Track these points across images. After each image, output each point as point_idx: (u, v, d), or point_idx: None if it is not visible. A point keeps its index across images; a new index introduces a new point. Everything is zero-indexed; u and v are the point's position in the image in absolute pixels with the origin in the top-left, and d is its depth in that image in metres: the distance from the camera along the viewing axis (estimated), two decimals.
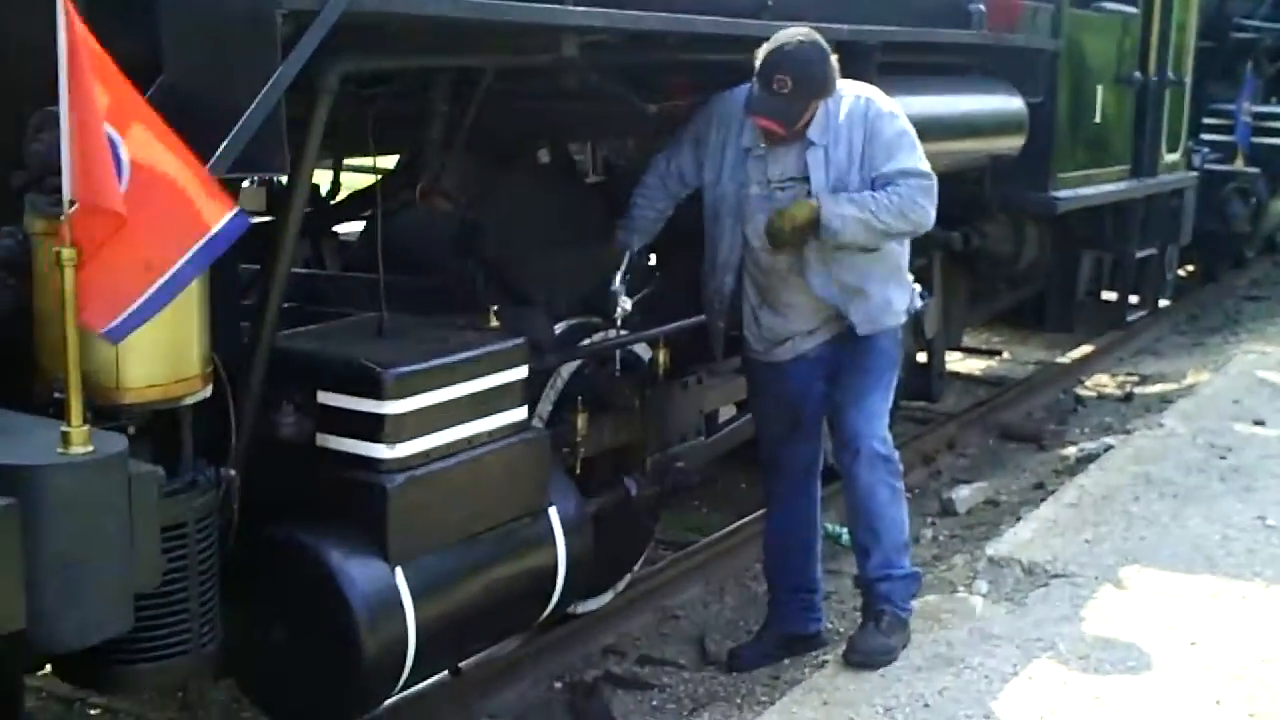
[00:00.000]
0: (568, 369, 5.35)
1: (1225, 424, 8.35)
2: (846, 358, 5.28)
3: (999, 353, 11.18)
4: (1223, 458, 7.63)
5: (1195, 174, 10.63)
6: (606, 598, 5.79)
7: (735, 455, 6.40)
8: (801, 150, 5.05)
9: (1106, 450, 8.11)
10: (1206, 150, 11.93)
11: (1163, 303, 11.07)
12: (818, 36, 4.92)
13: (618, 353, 5.55)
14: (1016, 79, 7.56)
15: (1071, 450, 8.58)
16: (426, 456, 4.11)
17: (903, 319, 5.37)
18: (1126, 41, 9.03)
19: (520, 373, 4.41)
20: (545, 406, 5.27)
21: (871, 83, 5.59)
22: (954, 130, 6.71)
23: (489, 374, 4.30)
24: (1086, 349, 11.15)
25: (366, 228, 6.04)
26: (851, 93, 5.09)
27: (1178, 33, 9.73)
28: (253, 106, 3.27)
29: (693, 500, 7.42)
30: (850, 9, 5.84)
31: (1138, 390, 10.27)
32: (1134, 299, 10.19)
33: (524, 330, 4.89)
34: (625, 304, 5.27)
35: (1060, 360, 10.95)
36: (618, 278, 5.32)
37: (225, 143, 3.24)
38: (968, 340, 10.28)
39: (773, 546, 5.62)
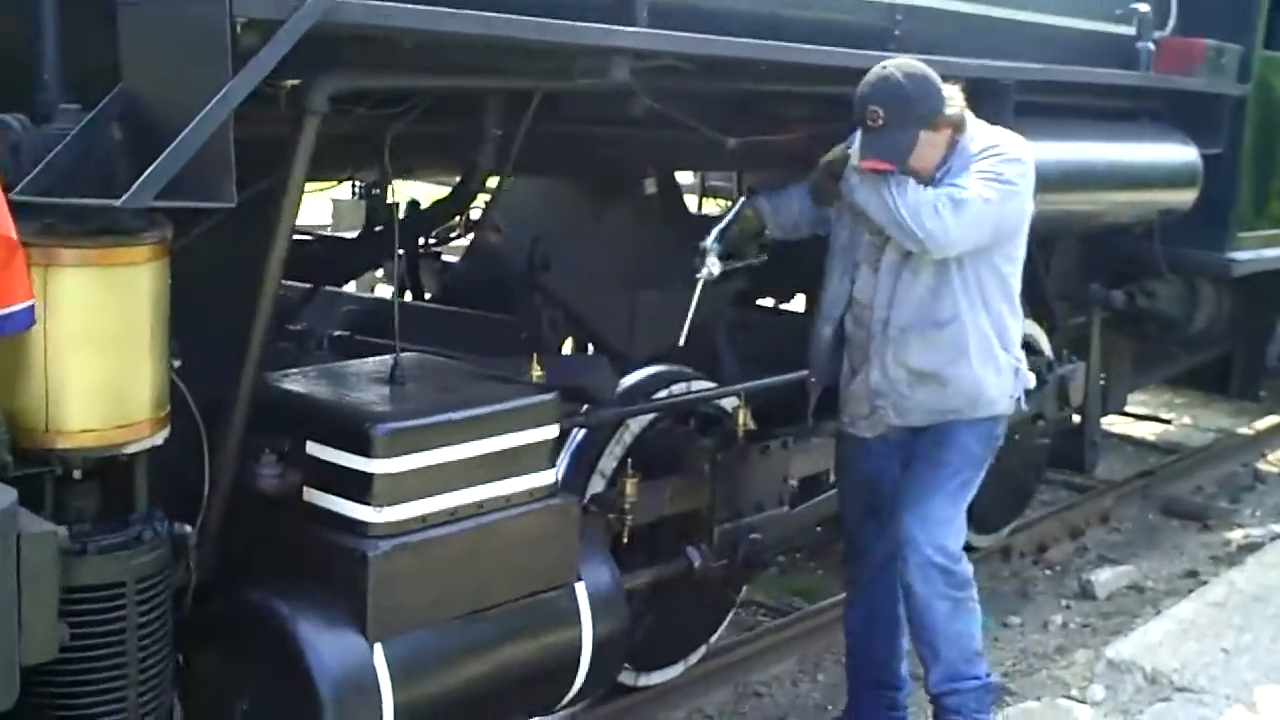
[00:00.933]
0: (638, 423, 4.88)
1: None
2: (921, 446, 4.71)
3: (1167, 420, 10.35)
4: None
5: None
6: (676, 670, 5.30)
7: None
8: None
9: (1273, 540, 7.35)
10: None
11: None
12: (917, 64, 4.35)
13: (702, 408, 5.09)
14: (1194, 126, 6.89)
15: (1237, 534, 7.83)
16: (422, 521, 3.66)
17: (999, 409, 4.68)
18: None
19: (548, 431, 3.94)
20: (609, 463, 4.82)
21: (1006, 124, 5.07)
22: (1104, 180, 6.09)
23: (507, 432, 3.84)
24: (1274, 420, 10.28)
25: (469, 248, 5.69)
26: (990, 138, 4.51)
27: None
28: (190, 127, 2.85)
29: (807, 562, 6.94)
30: (990, 43, 5.29)
31: None
32: None
33: (580, 379, 4.47)
34: (714, 266, 4.70)
35: (1243, 431, 10.10)
36: (714, 233, 4.71)
37: (152, 166, 2.82)
38: (1141, 405, 9.56)
39: (853, 636, 5.05)
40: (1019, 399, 4.76)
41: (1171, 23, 6.64)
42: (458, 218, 4.51)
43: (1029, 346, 6.47)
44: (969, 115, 4.51)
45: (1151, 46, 6.26)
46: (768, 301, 7.05)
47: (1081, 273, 6.99)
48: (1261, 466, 9.46)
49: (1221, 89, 6.93)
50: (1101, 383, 7.65)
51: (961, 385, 4.58)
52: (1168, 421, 10.32)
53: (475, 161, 4.24)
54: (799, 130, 4.91)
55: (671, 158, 5.39)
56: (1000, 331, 4.63)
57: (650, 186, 5.45)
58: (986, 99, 5.19)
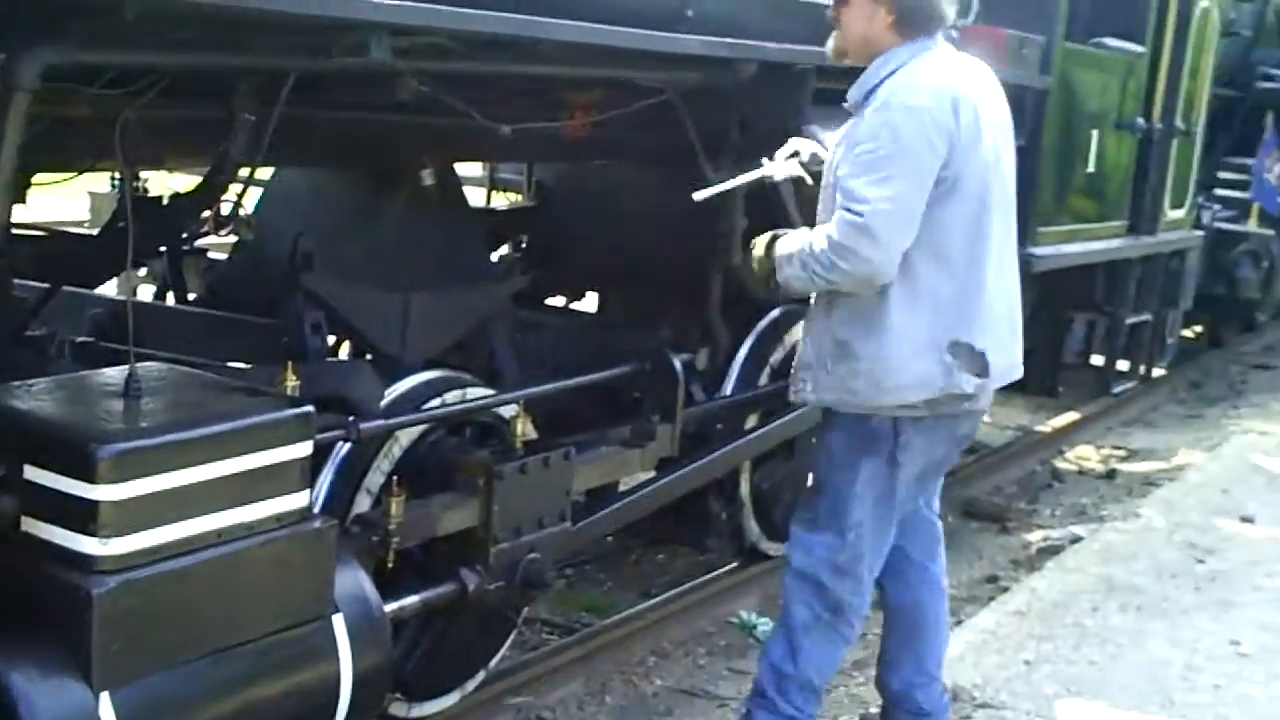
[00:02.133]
0: (408, 436, 4.51)
1: (1209, 519, 7.46)
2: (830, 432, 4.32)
3: None
4: (1201, 561, 6.75)
5: (1201, 234, 9.76)
6: (451, 699, 4.93)
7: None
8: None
9: (1073, 543, 7.23)
10: (1218, 207, 11.03)
11: (1158, 371, 10.20)
12: None
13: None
14: None
15: (1037, 536, 7.69)
16: (155, 554, 3.24)
17: (898, 397, 4.10)
18: (1130, 84, 8.16)
19: (300, 450, 3.53)
20: (376, 479, 4.43)
21: (805, 114, 4.82)
22: None
23: (253, 450, 3.43)
24: (1073, 416, 10.22)
25: (235, 245, 5.27)
26: (906, 74, 4.01)
27: (1190, 78, 8.84)
28: None
29: (598, 574, 6.63)
30: (788, 25, 5.01)
31: (1122, 467, 9.36)
32: (1123, 366, 9.32)
33: (341, 388, 4.09)
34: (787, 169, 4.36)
35: (1042, 428, 10.02)
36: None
37: None
38: None
39: None
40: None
41: (974, 12, 6.43)
42: (208, 212, 4.10)
43: None
44: (926, 41, 4.07)
45: (955, 35, 6.03)
46: (558, 301, 6.75)
47: None
48: (1060, 464, 9.38)
49: (1024, 81, 6.75)
50: None
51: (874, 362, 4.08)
52: None
53: (226, 150, 3.85)
54: (583, 117, 4.57)
55: (451, 147, 5.00)
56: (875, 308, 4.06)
57: (428, 178, 5.07)
58: (786, 85, 4.95)
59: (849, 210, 3.91)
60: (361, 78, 3.80)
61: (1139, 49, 8.13)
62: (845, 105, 4.18)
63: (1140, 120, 8.26)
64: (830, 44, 4.25)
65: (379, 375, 4.42)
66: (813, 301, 4.27)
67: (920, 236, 3.96)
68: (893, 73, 4.02)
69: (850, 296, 4.07)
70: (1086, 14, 7.72)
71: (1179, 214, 9.16)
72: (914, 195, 3.92)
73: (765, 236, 4.24)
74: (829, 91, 4.97)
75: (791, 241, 4.12)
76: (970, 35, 6.22)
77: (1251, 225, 11.53)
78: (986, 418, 9.07)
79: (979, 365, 4.11)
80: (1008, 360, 4.25)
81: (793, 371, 4.35)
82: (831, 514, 4.26)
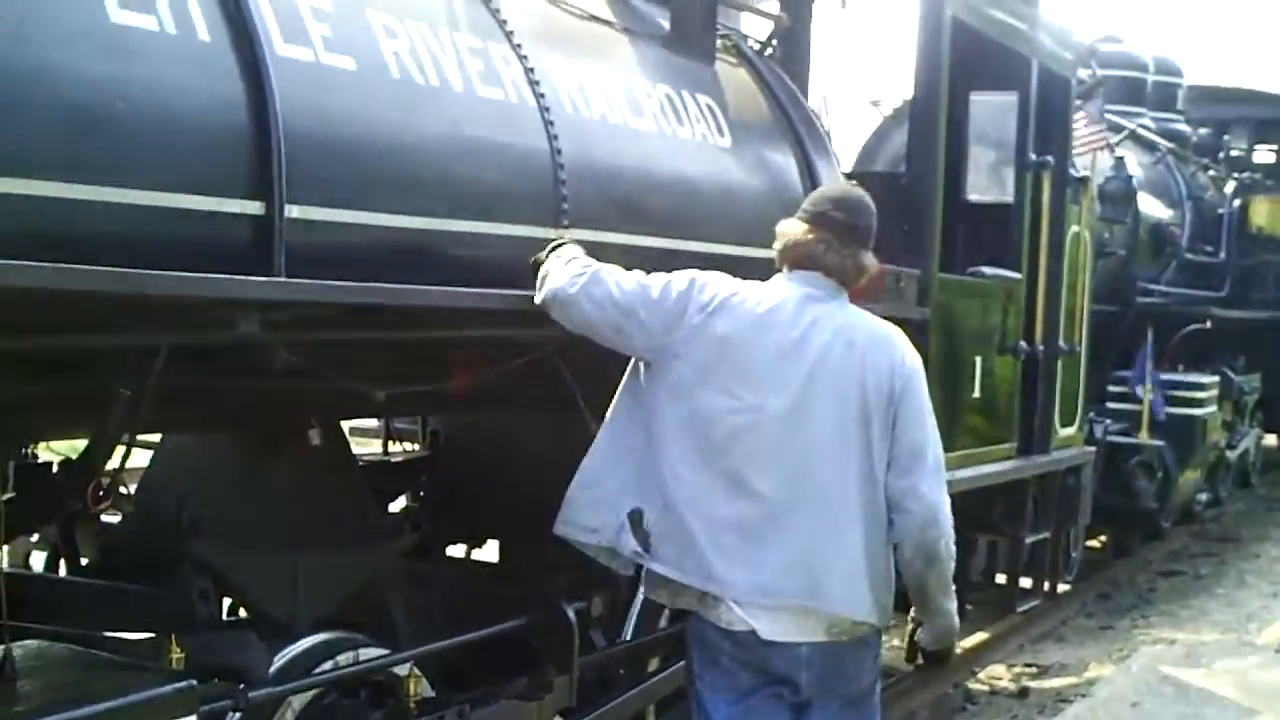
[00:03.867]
0: (300, 700, 4.46)
1: None
2: None
3: None
4: None
5: (1093, 449, 9.94)
6: None
7: None
8: None
9: None
10: (1109, 421, 11.26)
11: (1063, 586, 10.28)
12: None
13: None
14: None
15: None
16: None
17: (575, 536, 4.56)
18: (1010, 309, 8.38)
19: None
20: None
21: None
22: None
23: None
24: (983, 636, 10.25)
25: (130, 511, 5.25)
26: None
27: (1070, 298, 9.10)
28: None
29: None
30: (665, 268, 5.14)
31: (1034, 684, 9.37)
32: (1027, 583, 9.39)
33: (227, 657, 4.06)
34: None
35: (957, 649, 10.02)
36: None
37: None
38: None
39: None
40: None
41: None
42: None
43: None
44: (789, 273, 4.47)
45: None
46: (459, 550, 6.74)
47: None
48: (973, 685, 9.38)
49: (902, 313, 6.91)
50: None
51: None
52: None
53: (105, 423, 3.86)
54: (463, 373, 4.64)
55: (334, 407, 5.04)
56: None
57: (315, 438, 5.10)
58: None
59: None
60: (234, 350, 3.84)
61: (1015, 275, 8.37)
62: None
63: (1023, 343, 8.46)
64: None
65: (267, 640, 4.38)
66: None
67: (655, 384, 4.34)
68: None
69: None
70: (962, 245, 7.96)
71: (1070, 431, 9.34)
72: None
73: None
74: None
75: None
76: None
77: (1143, 437, 11.76)
78: (896, 641, 9.13)
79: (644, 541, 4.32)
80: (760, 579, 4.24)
81: None
82: None
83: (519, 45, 4.99)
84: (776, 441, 4.23)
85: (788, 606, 4.24)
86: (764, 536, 4.22)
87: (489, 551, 7.04)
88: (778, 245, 4.51)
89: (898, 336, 4.46)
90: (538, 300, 4.45)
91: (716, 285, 4.39)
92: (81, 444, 3.95)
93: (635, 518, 4.35)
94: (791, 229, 4.48)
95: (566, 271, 4.43)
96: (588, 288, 4.37)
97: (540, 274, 4.50)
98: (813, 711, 4.41)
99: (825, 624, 4.27)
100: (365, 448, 8.08)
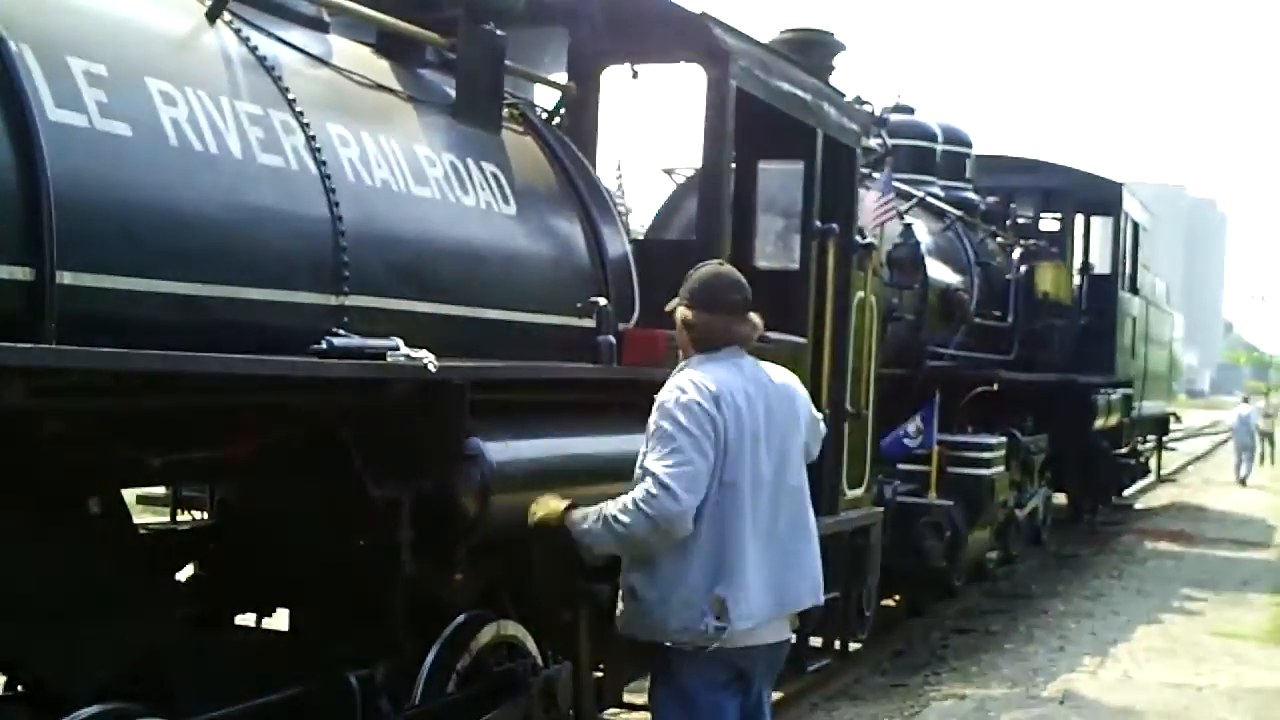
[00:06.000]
0: None
1: None
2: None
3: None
4: None
5: (881, 510, 10.16)
6: None
7: None
8: None
9: None
10: (898, 482, 11.52)
11: (854, 645, 10.45)
12: (728, 270, 5.42)
13: None
14: None
15: None
16: None
17: (670, 638, 5.05)
18: (797, 373, 8.49)
19: None
20: None
21: (461, 426, 5.01)
22: (582, 473, 6.02)
23: None
24: (777, 695, 10.36)
25: None
26: (684, 373, 5.17)
27: (857, 362, 9.33)
28: None
29: None
30: (443, 339, 5.19)
31: None
32: (817, 642, 9.54)
33: None
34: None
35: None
36: None
37: None
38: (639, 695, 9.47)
39: None
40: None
41: (635, 314, 6.73)
42: None
43: (513, 648, 6.29)
44: (716, 355, 5.18)
45: (612, 340, 6.30)
46: (250, 618, 6.67)
47: (564, 568, 6.86)
48: None
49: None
50: (598, 676, 7.49)
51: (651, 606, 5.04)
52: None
53: None
54: (242, 441, 4.63)
55: (115, 474, 4.99)
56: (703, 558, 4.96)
57: (94, 506, 5.03)
58: (441, 401, 5.10)
59: (647, 475, 4.89)
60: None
61: (801, 340, 8.55)
62: None
63: None
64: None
65: (42, 714, 4.31)
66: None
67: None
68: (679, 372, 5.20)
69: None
70: None
71: (858, 492, 9.54)
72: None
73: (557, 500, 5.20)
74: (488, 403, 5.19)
75: (589, 508, 5.05)
76: (631, 338, 6.51)
77: (932, 497, 12.04)
78: None
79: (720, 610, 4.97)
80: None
81: None
82: None
83: (301, 113, 5.02)
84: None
85: None
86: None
87: (280, 619, 6.98)
88: (692, 334, 5.24)
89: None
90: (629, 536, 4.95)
91: (707, 400, 5.02)
92: None
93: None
94: (703, 319, 5.21)
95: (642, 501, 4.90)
96: (686, 489, 4.87)
97: (591, 527, 5.04)
98: None
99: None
100: (154, 516, 7.97)
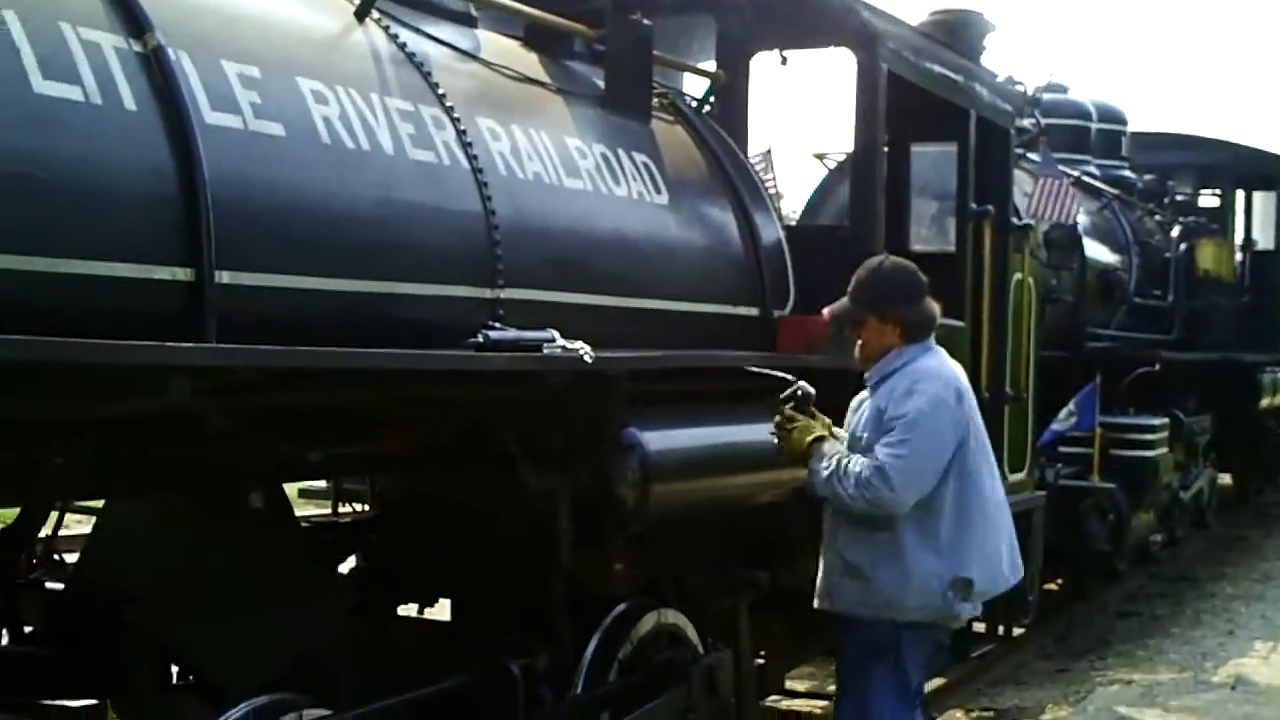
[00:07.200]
0: None
1: None
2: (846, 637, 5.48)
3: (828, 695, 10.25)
4: None
5: (1044, 494, 10.00)
6: None
7: None
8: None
9: None
10: (1060, 465, 11.33)
11: (1018, 630, 10.31)
12: (904, 264, 5.55)
13: None
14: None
15: None
16: None
17: (905, 616, 5.28)
18: (955, 357, 8.35)
19: None
20: None
21: (623, 415, 5.00)
22: (736, 462, 6.00)
23: None
24: (939, 681, 10.27)
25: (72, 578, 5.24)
26: (920, 366, 5.35)
27: (1015, 344, 9.18)
28: None
29: None
30: (602, 330, 5.19)
31: None
32: (981, 628, 9.42)
33: None
34: None
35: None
36: None
37: None
38: (808, 678, 9.45)
39: None
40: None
41: (790, 301, 6.70)
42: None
43: (674, 636, 6.29)
44: (927, 342, 5.45)
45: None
46: (411, 609, 6.75)
47: (722, 556, 6.85)
48: None
49: (841, 365, 6.96)
50: (759, 663, 7.49)
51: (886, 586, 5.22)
52: (828, 697, 10.20)
53: (39, 493, 3.89)
54: (401, 435, 4.67)
55: (276, 469, 5.06)
56: (902, 542, 5.21)
57: (256, 500, 5.12)
58: (598, 393, 5.11)
59: (889, 454, 5.11)
60: (169, 416, 3.86)
61: (959, 323, 8.44)
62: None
63: None
64: (856, 354, 5.55)
65: (209, 705, 4.38)
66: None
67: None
68: (906, 362, 5.34)
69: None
70: None
71: (1020, 476, 9.40)
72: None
73: (814, 427, 5.33)
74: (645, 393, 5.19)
75: (832, 453, 5.25)
76: (788, 325, 6.47)
77: (1094, 480, 11.83)
78: None
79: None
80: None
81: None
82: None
83: (451, 108, 5.05)
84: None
85: None
86: None
87: (442, 609, 7.05)
88: (905, 329, 5.42)
89: None
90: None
91: (953, 397, 5.32)
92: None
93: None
94: (916, 310, 5.45)
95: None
96: (905, 485, 5.15)
97: (821, 473, 5.28)
98: None
99: None
100: (315, 509, 8.11)
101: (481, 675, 5.18)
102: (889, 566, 5.24)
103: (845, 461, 5.20)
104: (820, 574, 5.54)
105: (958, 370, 5.54)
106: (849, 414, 5.63)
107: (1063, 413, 11.50)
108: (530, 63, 5.92)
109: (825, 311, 5.56)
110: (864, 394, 5.56)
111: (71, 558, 5.30)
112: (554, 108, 5.80)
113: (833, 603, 5.47)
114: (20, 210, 3.40)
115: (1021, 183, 10.39)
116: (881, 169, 7.69)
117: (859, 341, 5.51)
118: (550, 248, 5.28)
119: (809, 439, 5.32)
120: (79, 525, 6.18)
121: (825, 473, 5.22)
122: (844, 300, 5.48)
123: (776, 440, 5.42)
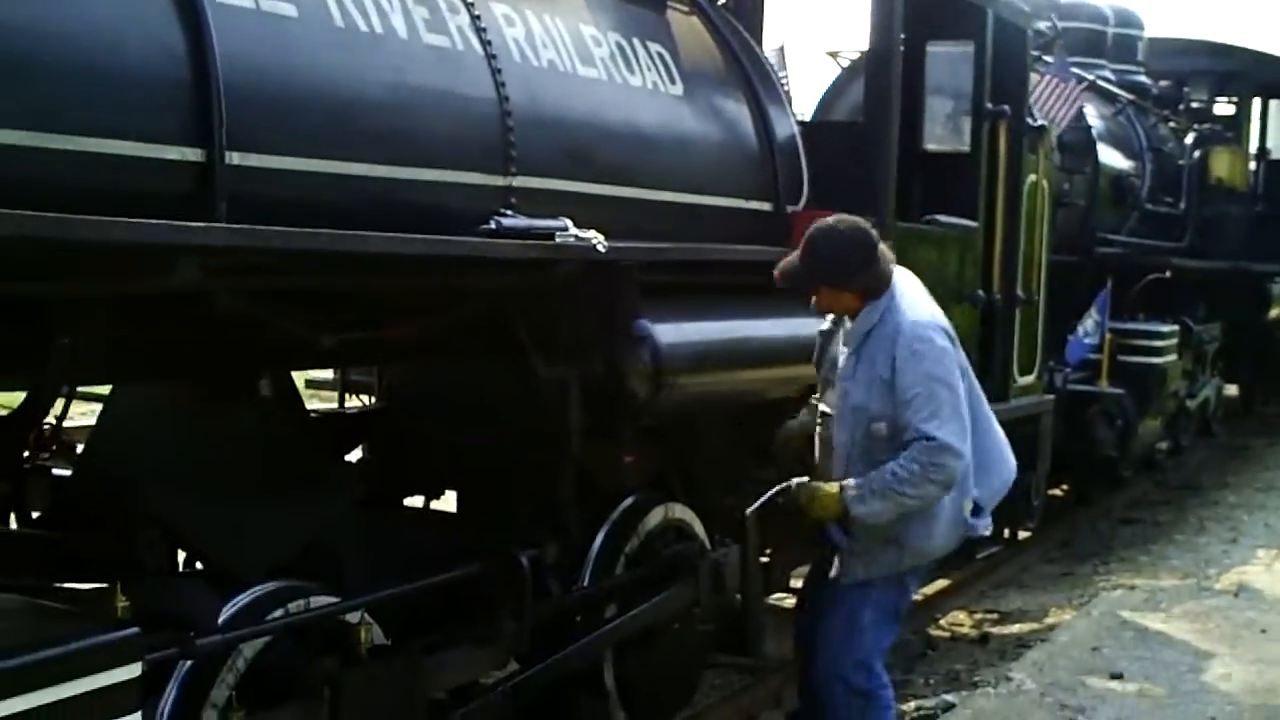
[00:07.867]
0: (251, 648, 4.45)
1: (1079, 679, 7.53)
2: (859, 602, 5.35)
3: None
4: None
5: (1052, 397, 9.97)
6: None
7: None
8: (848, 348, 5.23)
9: (945, 710, 7.26)
10: (1069, 369, 11.29)
11: (1024, 534, 10.32)
12: (852, 225, 5.17)
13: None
14: None
15: (910, 706, 7.69)
16: None
17: (931, 556, 5.41)
18: (968, 257, 8.40)
19: (127, 672, 3.51)
20: (221, 694, 4.36)
21: (632, 307, 4.95)
22: (748, 357, 5.97)
23: (76, 677, 3.40)
24: (943, 583, 10.30)
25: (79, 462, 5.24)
26: (900, 305, 5.18)
27: (1028, 247, 9.12)
28: None
29: None
30: (613, 221, 5.13)
31: (995, 630, 9.42)
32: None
33: (175, 606, 4.05)
34: None
35: (914, 597, 10.06)
36: None
37: None
38: None
39: None
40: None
41: (804, 197, 6.63)
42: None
43: (681, 531, 6.29)
44: (896, 286, 5.21)
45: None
46: (417, 500, 6.75)
47: (732, 453, 6.84)
48: (933, 632, 9.43)
49: None
50: (765, 561, 7.49)
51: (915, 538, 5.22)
52: None
53: (43, 373, 3.85)
54: (412, 322, 4.63)
55: (282, 357, 5.03)
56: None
57: (265, 388, 5.08)
58: (608, 282, 5.07)
59: (929, 440, 4.97)
60: (177, 298, 3.83)
61: (972, 224, 8.38)
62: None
63: (980, 292, 8.48)
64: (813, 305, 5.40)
65: (217, 590, 4.38)
66: None
67: None
68: (882, 316, 5.15)
69: None
70: (919, 194, 7.96)
71: (1029, 379, 9.37)
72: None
73: (817, 489, 5.19)
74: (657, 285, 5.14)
75: (868, 501, 5.03)
76: (801, 220, 6.40)
77: (1103, 385, 11.79)
78: None
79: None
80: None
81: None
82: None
83: None
84: None
85: None
86: None
87: (448, 502, 7.05)
88: (867, 290, 5.20)
89: None
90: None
91: (946, 340, 5.24)
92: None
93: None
94: (873, 271, 5.18)
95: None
96: (963, 441, 5.08)
97: (876, 507, 5.06)
98: None
99: None
100: (322, 401, 8.09)
101: (490, 565, 5.17)
102: (918, 521, 5.18)
103: (883, 473, 5.03)
104: (839, 555, 5.32)
105: (930, 304, 5.38)
106: (818, 342, 5.56)
107: (1089, 324, 11.46)
108: None
109: (775, 273, 5.25)
110: (832, 326, 5.48)
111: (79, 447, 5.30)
112: None
113: (866, 570, 5.28)
114: (27, 86, 3.34)
115: (1043, 87, 10.28)
116: (897, 67, 7.60)
117: (814, 299, 5.37)
118: (564, 136, 5.21)
119: (830, 493, 5.16)
120: (84, 417, 6.17)
121: (872, 502, 5.04)
122: (794, 260, 5.22)
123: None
